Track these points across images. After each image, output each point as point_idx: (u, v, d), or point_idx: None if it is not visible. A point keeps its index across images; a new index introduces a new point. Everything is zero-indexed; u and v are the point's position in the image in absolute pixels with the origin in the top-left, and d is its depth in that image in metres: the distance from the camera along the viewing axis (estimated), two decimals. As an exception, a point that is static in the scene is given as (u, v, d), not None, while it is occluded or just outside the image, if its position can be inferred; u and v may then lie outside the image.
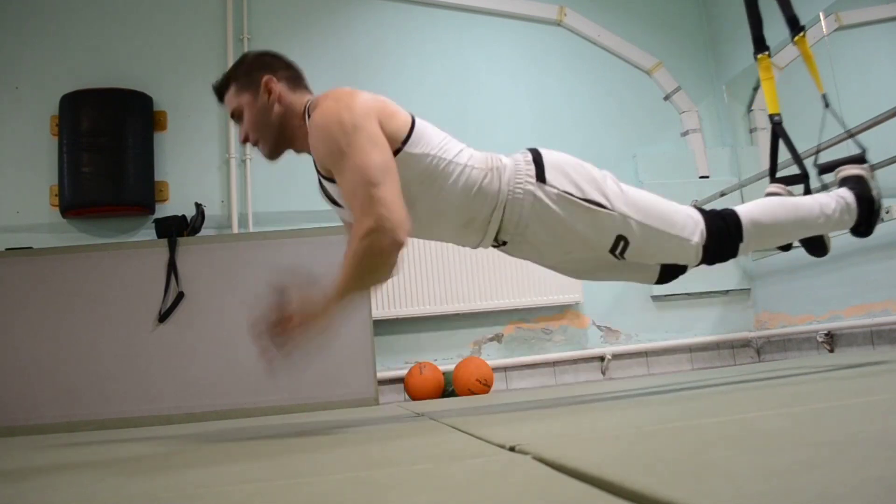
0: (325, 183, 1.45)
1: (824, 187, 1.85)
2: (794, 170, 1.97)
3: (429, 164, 1.41)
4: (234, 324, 2.93)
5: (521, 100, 3.91)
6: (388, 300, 3.41)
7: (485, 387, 3.15)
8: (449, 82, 3.84)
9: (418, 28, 3.88)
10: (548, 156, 1.52)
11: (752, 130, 3.97)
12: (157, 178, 3.40)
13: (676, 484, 0.52)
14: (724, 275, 3.75)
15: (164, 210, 3.35)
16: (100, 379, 2.83)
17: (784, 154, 2.03)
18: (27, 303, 2.86)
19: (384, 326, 3.40)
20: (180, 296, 2.93)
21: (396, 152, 1.36)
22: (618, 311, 3.72)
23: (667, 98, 4.06)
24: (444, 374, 3.25)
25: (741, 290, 3.84)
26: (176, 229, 3.10)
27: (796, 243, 1.77)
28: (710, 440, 0.78)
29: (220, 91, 1.51)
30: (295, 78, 1.50)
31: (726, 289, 3.82)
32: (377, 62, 3.79)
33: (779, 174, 1.99)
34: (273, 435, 1.38)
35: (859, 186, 1.69)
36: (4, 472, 1.19)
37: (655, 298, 3.77)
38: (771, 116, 2.04)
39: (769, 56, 2.09)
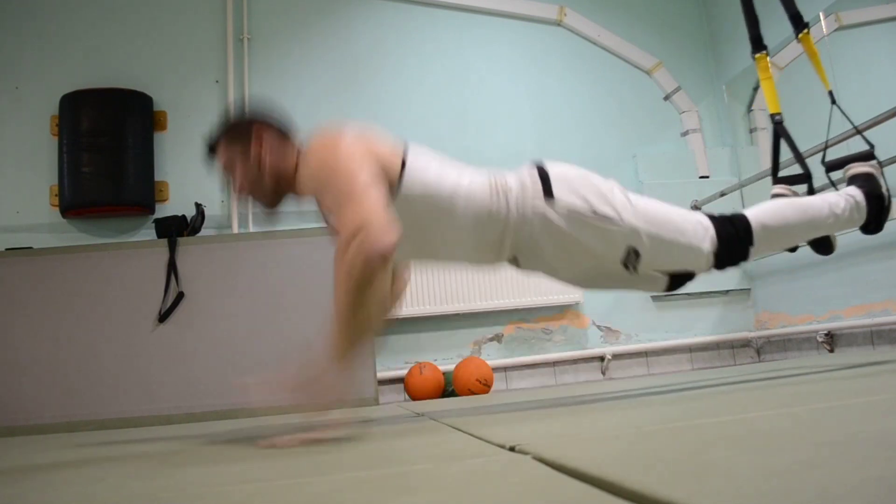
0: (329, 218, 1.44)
1: (832, 185, 1.84)
2: (795, 169, 1.97)
3: (429, 202, 1.39)
4: (234, 324, 2.93)
5: (521, 100, 3.91)
6: (388, 300, 3.40)
7: (485, 387, 3.15)
8: (449, 82, 3.84)
9: (418, 28, 3.88)
10: (553, 170, 1.48)
11: (752, 130, 3.97)
12: (157, 178, 3.40)
13: (676, 484, 0.52)
14: (724, 275, 3.73)
15: (164, 210, 3.35)
16: (100, 379, 2.83)
17: (786, 154, 2.03)
18: (27, 303, 2.86)
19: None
20: (180, 296, 2.93)
21: (393, 196, 1.35)
22: (618, 311, 3.73)
23: (667, 98, 4.06)
24: (444, 374, 3.25)
25: (741, 290, 3.84)
26: (176, 229, 3.10)
27: (803, 243, 1.76)
28: (710, 440, 0.78)
29: (213, 146, 1.50)
30: (286, 127, 1.49)
31: (726, 289, 3.82)
32: (377, 62, 3.79)
33: (781, 174, 1.98)
34: (273, 435, 1.38)
35: (868, 184, 1.68)
36: (4, 472, 1.19)
37: (655, 298, 3.77)
38: (772, 116, 2.04)
39: (767, 56, 2.09)
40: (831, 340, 3.21)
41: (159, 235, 3.09)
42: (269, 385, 1.18)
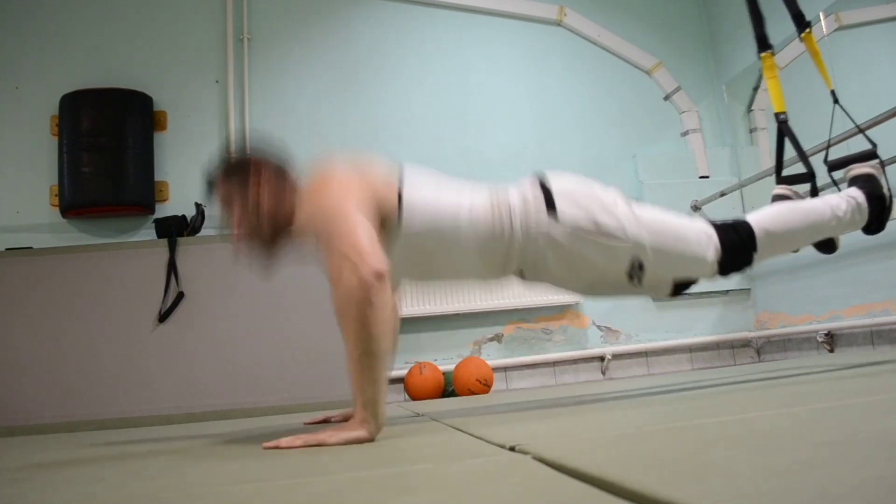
0: None
1: (835, 184, 1.84)
2: (798, 168, 1.96)
3: (433, 235, 1.39)
4: (234, 324, 2.93)
5: (521, 100, 3.91)
6: (388, 300, 3.40)
7: (485, 387, 3.14)
8: (449, 82, 3.84)
9: (418, 28, 3.88)
10: (556, 184, 1.47)
11: (752, 130, 3.97)
12: (157, 178, 3.40)
13: (676, 484, 0.52)
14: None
15: (164, 210, 3.35)
16: (100, 379, 2.83)
17: (788, 153, 2.02)
18: (27, 303, 2.86)
19: (384, 326, 3.40)
20: (180, 296, 2.93)
21: (395, 232, 1.35)
22: (618, 311, 3.72)
23: (667, 98, 4.06)
24: (444, 374, 3.25)
25: (741, 290, 3.84)
26: (176, 229, 3.10)
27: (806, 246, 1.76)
28: (710, 440, 0.78)
29: (211, 183, 1.49)
30: (284, 165, 1.48)
31: (726, 289, 3.82)
32: (377, 62, 3.79)
33: (784, 173, 1.98)
34: (273, 435, 1.38)
35: (870, 185, 1.68)
36: (4, 472, 1.19)
37: (655, 299, 3.78)
38: (777, 115, 2.03)
39: (773, 55, 2.09)
40: (831, 340, 3.21)
41: (159, 235, 3.09)
42: (304, 440, 1.16)
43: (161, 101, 3.49)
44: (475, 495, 0.59)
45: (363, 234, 1.22)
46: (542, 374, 3.61)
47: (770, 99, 2.10)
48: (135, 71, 3.48)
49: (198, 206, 3.29)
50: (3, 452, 1.75)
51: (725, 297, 3.85)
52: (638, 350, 3.71)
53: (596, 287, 1.55)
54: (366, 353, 1.15)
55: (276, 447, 1.15)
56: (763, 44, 2.08)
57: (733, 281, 3.81)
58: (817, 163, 1.94)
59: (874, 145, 1.79)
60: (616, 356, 3.67)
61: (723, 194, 3.65)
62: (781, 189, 1.84)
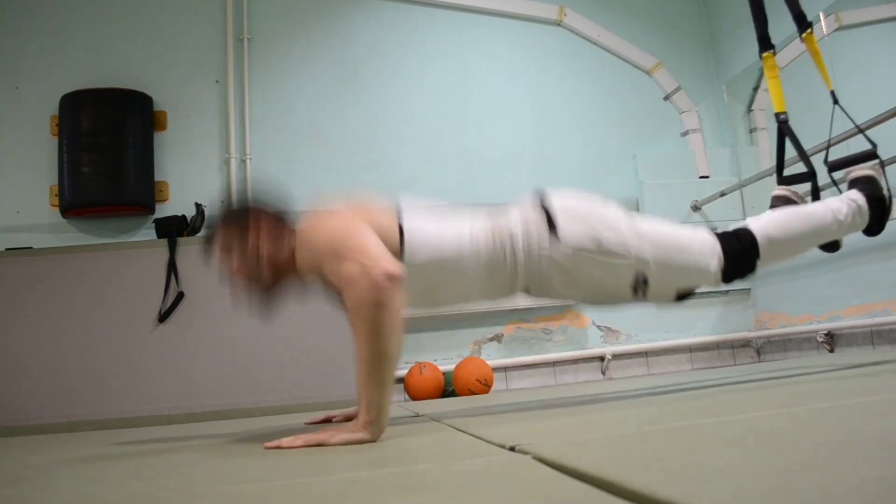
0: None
1: (835, 184, 1.84)
2: (799, 167, 1.96)
3: (437, 265, 1.39)
4: (233, 324, 2.93)
5: (521, 100, 3.91)
6: (388, 300, 3.40)
7: (485, 387, 3.14)
8: (449, 82, 3.84)
9: (418, 28, 3.88)
10: (557, 203, 1.46)
11: (752, 130, 3.97)
12: (157, 178, 3.40)
13: (676, 484, 0.52)
14: (724, 275, 3.75)
15: (164, 210, 3.35)
16: (100, 379, 2.83)
17: (789, 153, 2.02)
18: (27, 303, 2.86)
19: (384, 326, 3.40)
20: (180, 296, 2.93)
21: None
22: (617, 310, 3.72)
23: (667, 98, 4.06)
24: (444, 374, 3.25)
25: (741, 290, 3.84)
26: (176, 229, 3.10)
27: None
28: (710, 440, 0.78)
29: (210, 236, 1.49)
30: (281, 218, 1.48)
31: (726, 289, 3.82)
32: (377, 62, 3.79)
33: (785, 172, 1.98)
34: (273, 435, 1.38)
35: (870, 187, 1.68)
36: (4, 472, 1.19)
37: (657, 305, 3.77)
38: (777, 115, 2.03)
39: (774, 55, 2.09)
40: (831, 340, 3.21)
41: (159, 235, 3.09)
42: (304, 440, 1.16)
43: (161, 101, 3.49)
44: (475, 495, 0.59)
45: (372, 242, 1.24)
46: (542, 374, 3.61)
47: (770, 99, 2.10)
48: (135, 71, 3.48)
49: (198, 206, 3.29)
50: (3, 452, 1.75)
51: (725, 297, 3.85)
52: (638, 350, 3.71)
53: (601, 300, 1.55)
54: (375, 356, 1.16)
55: (278, 447, 1.15)
56: (765, 44, 2.08)
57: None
58: (818, 162, 1.94)
59: (874, 145, 1.79)
60: (616, 356, 3.67)
61: (723, 194, 3.66)
62: (781, 190, 1.84)
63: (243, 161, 3.54)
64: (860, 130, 1.93)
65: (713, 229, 1.59)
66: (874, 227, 1.68)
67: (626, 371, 3.70)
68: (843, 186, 1.77)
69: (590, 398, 1.77)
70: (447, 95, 3.82)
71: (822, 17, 3.13)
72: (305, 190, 3.53)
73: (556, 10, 4.00)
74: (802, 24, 1.98)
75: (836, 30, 3.17)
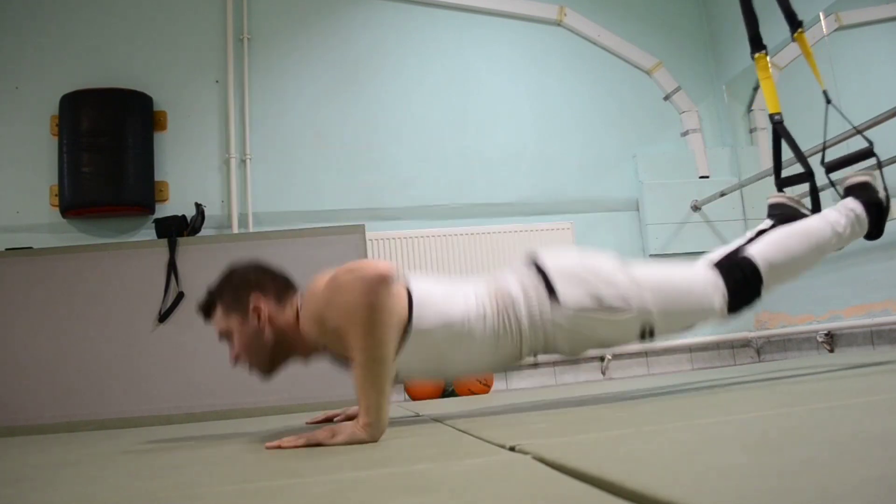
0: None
1: (832, 185, 1.84)
2: (797, 168, 1.96)
3: (446, 330, 1.38)
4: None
5: (521, 100, 3.91)
6: (388, 300, 3.40)
7: (485, 387, 3.15)
8: (449, 82, 3.84)
9: (418, 28, 3.88)
10: (553, 265, 1.45)
11: (752, 130, 3.97)
12: (157, 178, 3.40)
13: (676, 484, 0.52)
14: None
15: (164, 210, 3.35)
16: (100, 379, 2.83)
17: (786, 154, 2.02)
18: (27, 303, 2.86)
19: (384, 326, 3.39)
20: (180, 296, 2.93)
21: (407, 331, 1.34)
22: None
23: (667, 98, 4.06)
24: (444, 374, 3.25)
25: (741, 290, 3.84)
26: (176, 229, 3.10)
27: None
28: (710, 440, 0.78)
29: (206, 311, 1.46)
30: (283, 288, 1.46)
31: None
32: (377, 62, 3.79)
33: (783, 174, 1.98)
34: (273, 435, 1.38)
35: (866, 194, 1.68)
36: (4, 472, 1.19)
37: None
38: (771, 116, 2.03)
39: (766, 55, 2.09)
40: (831, 340, 3.22)
41: (159, 235, 3.09)
42: (302, 440, 1.15)
43: (161, 101, 3.49)
44: (475, 495, 0.59)
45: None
46: (542, 374, 3.61)
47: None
48: (135, 71, 3.48)
49: (198, 206, 3.29)
50: (3, 452, 1.75)
51: (725, 297, 3.84)
52: (638, 350, 3.70)
53: (610, 347, 1.54)
54: (371, 359, 1.15)
55: (279, 447, 1.15)
56: (757, 44, 2.08)
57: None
58: (816, 163, 1.94)
59: (870, 143, 1.79)
60: (616, 356, 3.67)
61: (723, 194, 3.66)
62: (777, 198, 1.83)
63: (243, 161, 3.54)
64: (858, 131, 1.93)
65: (711, 261, 1.57)
66: (874, 232, 1.68)
67: (626, 371, 3.70)
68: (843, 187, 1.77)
69: (590, 398, 1.77)
70: (447, 95, 3.82)
71: (822, 17, 3.13)
72: (305, 190, 3.57)
73: (556, 10, 4.00)
74: (794, 23, 1.98)
75: (836, 30, 3.17)
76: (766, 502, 0.44)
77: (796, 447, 0.65)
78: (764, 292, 1.55)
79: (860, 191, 1.70)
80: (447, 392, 3.22)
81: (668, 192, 3.81)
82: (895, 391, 1.16)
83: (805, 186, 1.89)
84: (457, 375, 1.49)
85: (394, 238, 3.47)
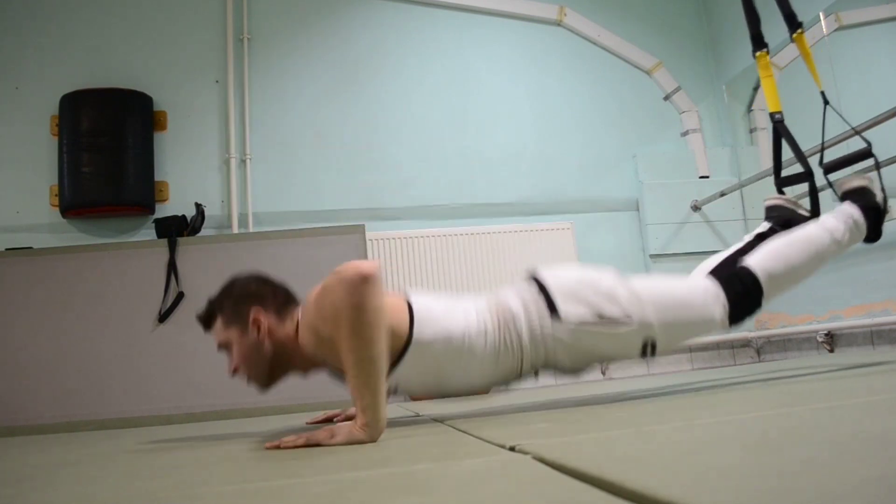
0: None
1: (830, 186, 1.84)
2: (797, 168, 1.96)
3: (447, 344, 1.37)
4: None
5: (521, 100, 3.91)
6: (388, 300, 3.40)
7: (485, 387, 3.14)
8: (449, 82, 3.84)
9: (418, 28, 3.88)
10: (553, 282, 1.45)
11: (752, 130, 3.97)
12: (157, 178, 3.40)
13: (676, 484, 0.52)
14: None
15: (164, 210, 3.35)
16: (100, 379, 2.83)
17: (786, 154, 2.02)
18: (27, 303, 2.86)
19: (384, 326, 3.40)
20: (180, 296, 2.93)
21: (407, 344, 1.34)
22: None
23: (667, 98, 4.06)
24: (444, 374, 3.24)
25: (741, 290, 3.84)
26: (176, 229, 3.10)
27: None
28: (710, 440, 0.78)
29: (206, 322, 1.47)
30: (284, 301, 1.45)
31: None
32: (377, 62, 3.79)
33: (783, 173, 1.98)
34: (273, 435, 1.38)
35: (864, 198, 1.68)
36: (4, 472, 1.19)
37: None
38: (772, 115, 2.03)
39: (767, 54, 2.09)
40: (831, 340, 3.21)
41: (159, 235, 3.09)
42: (301, 439, 1.15)
43: (161, 101, 3.49)
44: (475, 495, 0.59)
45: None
46: (541, 375, 3.60)
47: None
48: (135, 71, 3.48)
49: (198, 206, 3.29)
50: (3, 452, 1.75)
51: (725, 297, 3.84)
52: (638, 350, 3.70)
53: (611, 362, 1.55)
54: (360, 360, 1.15)
55: (278, 447, 1.15)
56: (758, 43, 2.08)
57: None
58: (815, 163, 1.94)
59: (869, 143, 1.79)
60: (616, 356, 3.67)
61: (723, 194, 3.66)
62: (775, 200, 1.83)
63: (243, 161, 3.54)
64: (857, 132, 1.93)
65: (708, 270, 1.57)
66: (872, 235, 1.68)
67: (625, 371, 3.70)
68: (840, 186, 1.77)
69: (590, 398, 1.77)
70: (447, 95, 3.82)
71: (822, 17, 3.13)
72: (305, 190, 3.57)
73: (556, 10, 4.00)
74: (793, 24, 1.98)
75: (836, 30, 3.17)
76: (766, 502, 0.44)
77: (796, 447, 0.65)
78: (764, 303, 1.55)
79: (858, 195, 1.70)
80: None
81: (668, 192, 3.81)
82: (895, 391, 1.16)
83: (804, 187, 1.89)
84: (457, 390, 1.48)
85: (394, 238, 3.47)
